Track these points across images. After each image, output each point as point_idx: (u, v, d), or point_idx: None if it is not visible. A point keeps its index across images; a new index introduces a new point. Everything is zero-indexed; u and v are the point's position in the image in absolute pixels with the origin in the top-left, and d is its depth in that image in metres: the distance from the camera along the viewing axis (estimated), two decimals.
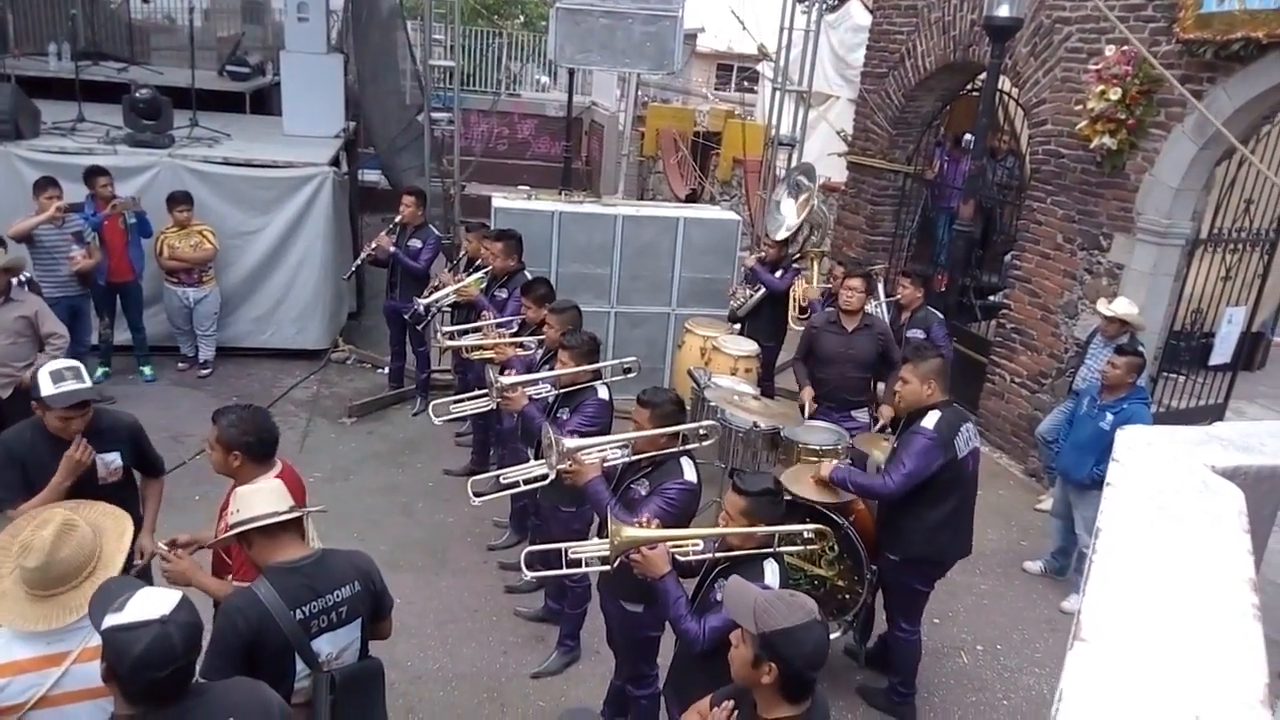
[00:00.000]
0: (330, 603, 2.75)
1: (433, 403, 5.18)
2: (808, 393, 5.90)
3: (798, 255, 7.52)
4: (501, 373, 4.80)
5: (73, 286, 6.71)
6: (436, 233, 7.42)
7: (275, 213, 7.95)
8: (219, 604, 2.94)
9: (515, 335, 5.54)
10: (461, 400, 5.06)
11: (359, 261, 7.62)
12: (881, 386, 6.10)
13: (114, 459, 3.71)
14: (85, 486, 3.52)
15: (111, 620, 2.09)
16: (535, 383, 4.57)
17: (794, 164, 8.99)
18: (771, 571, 3.06)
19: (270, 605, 2.63)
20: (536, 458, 4.26)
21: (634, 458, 3.73)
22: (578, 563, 3.44)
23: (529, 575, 3.67)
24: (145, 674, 2.06)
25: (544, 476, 3.89)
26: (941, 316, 6.48)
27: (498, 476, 4.28)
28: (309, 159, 8.13)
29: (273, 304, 8.15)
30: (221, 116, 9.46)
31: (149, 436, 3.99)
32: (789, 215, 7.59)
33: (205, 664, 2.55)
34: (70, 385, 3.49)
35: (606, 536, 3.17)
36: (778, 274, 7.08)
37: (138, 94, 8.06)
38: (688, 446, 3.70)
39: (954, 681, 4.97)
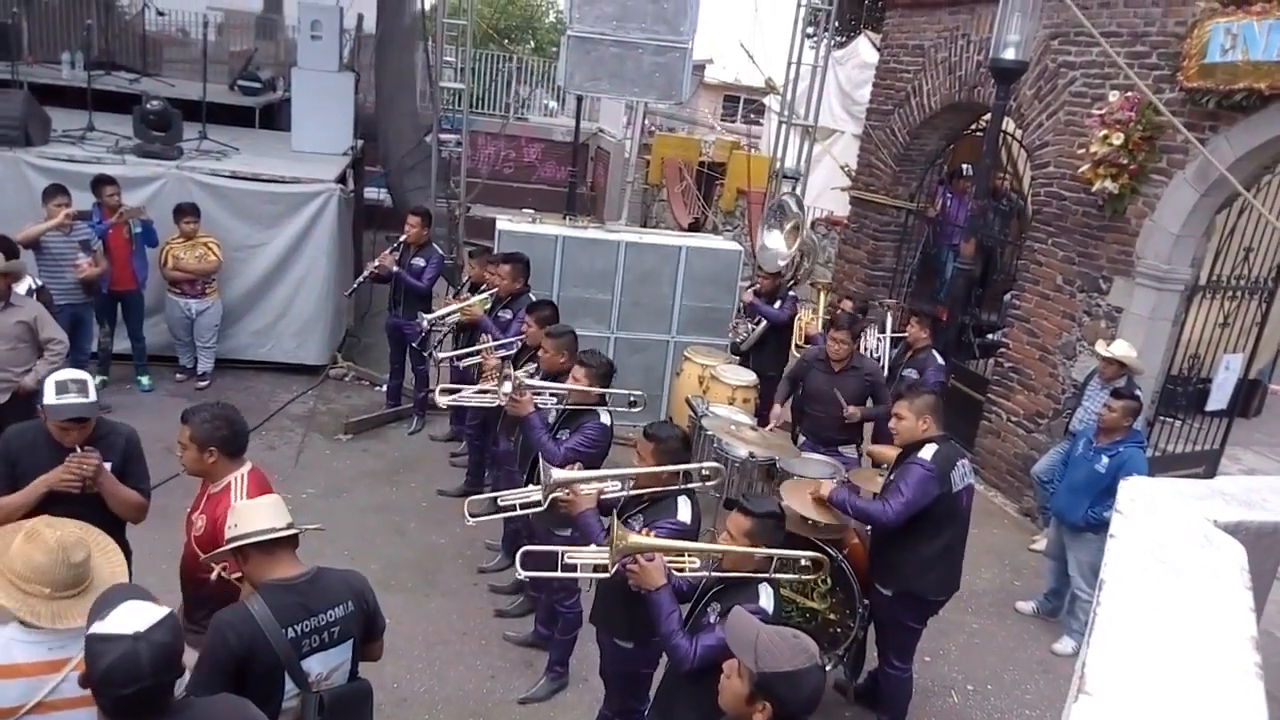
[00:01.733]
0: (323, 622, 2.73)
1: (440, 386, 5.17)
2: (777, 411, 6.06)
3: (791, 283, 7.56)
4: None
5: (77, 294, 6.72)
6: (440, 252, 7.45)
7: (280, 227, 7.98)
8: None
9: (515, 356, 5.57)
10: (463, 390, 5.11)
11: (362, 278, 7.64)
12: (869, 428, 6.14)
13: (106, 468, 3.64)
14: (77, 498, 3.44)
15: (94, 628, 2.08)
16: (543, 391, 4.58)
17: (799, 197, 9.05)
18: (767, 595, 3.06)
19: (262, 622, 2.61)
20: (529, 481, 4.26)
21: (635, 492, 3.72)
22: (574, 567, 3.43)
23: (522, 574, 3.64)
24: (109, 689, 2.04)
25: (539, 503, 3.89)
26: (941, 362, 6.48)
27: (495, 499, 4.26)
28: (316, 175, 8.18)
29: (274, 318, 8.15)
30: (231, 130, 9.52)
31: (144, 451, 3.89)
32: (777, 245, 7.66)
33: (194, 678, 2.53)
34: (71, 399, 3.46)
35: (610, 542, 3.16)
36: (776, 305, 7.13)
37: (148, 105, 8.12)
38: (690, 485, 3.69)
39: None
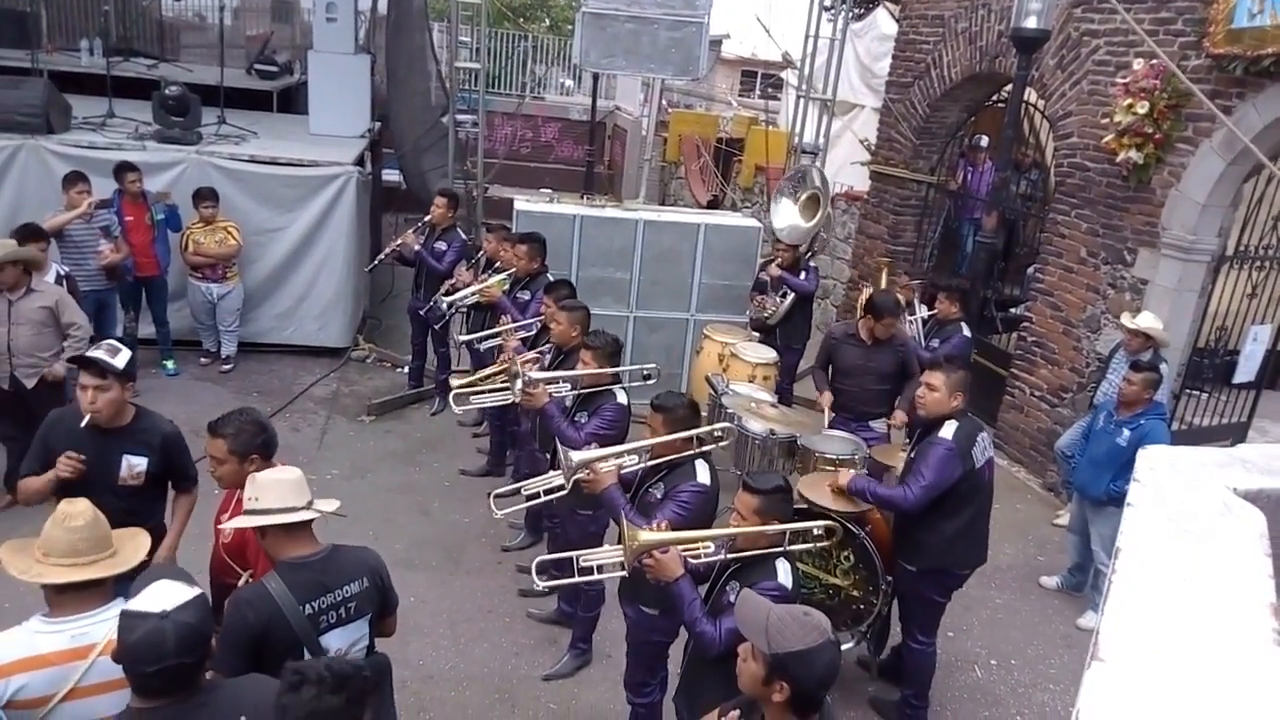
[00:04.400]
0: (339, 598, 2.77)
1: (453, 391, 5.20)
2: (826, 398, 5.91)
3: (809, 254, 7.53)
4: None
5: (100, 280, 6.79)
6: (462, 236, 7.46)
7: (300, 211, 8.02)
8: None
9: (535, 337, 5.57)
10: (481, 391, 5.10)
11: (383, 255, 7.66)
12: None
13: (140, 462, 3.66)
14: (102, 485, 3.49)
15: (129, 604, 2.14)
16: (556, 380, 4.59)
17: (820, 172, 8.98)
18: (784, 570, 3.07)
19: (280, 599, 2.65)
20: (552, 463, 4.28)
21: (652, 462, 3.74)
22: (591, 570, 3.46)
23: (541, 584, 3.67)
24: (135, 665, 2.09)
25: (562, 487, 3.91)
26: (968, 335, 6.46)
27: (520, 488, 4.29)
28: (334, 158, 8.20)
29: (295, 301, 8.21)
30: (249, 114, 9.56)
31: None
32: (790, 217, 7.61)
33: (214, 657, 2.58)
34: (95, 352, 3.55)
35: (623, 541, 3.18)
36: (800, 276, 7.13)
37: (167, 91, 8.16)
38: (704, 448, 3.71)
39: (967, 696, 4.94)
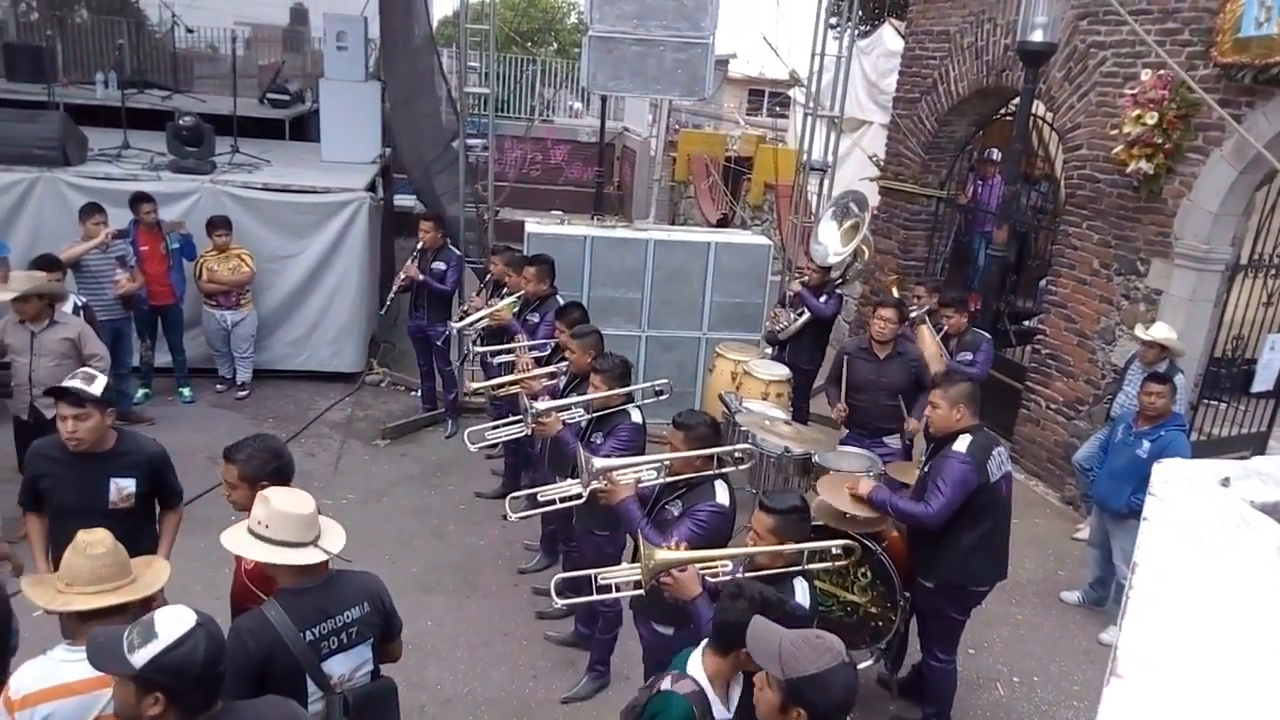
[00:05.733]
0: (340, 623, 2.76)
1: (468, 430, 5.21)
2: (839, 409, 5.93)
3: (839, 280, 7.51)
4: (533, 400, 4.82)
5: (116, 309, 6.87)
6: (457, 253, 7.51)
7: (313, 237, 8.09)
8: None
9: (549, 358, 5.58)
10: (497, 426, 5.11)
11: (393, 294, 7.72)
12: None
13: (128, 484, 3.66)
14: (95, 511, 3.48)
15: (151, 649, 2.07)
16: (568, 408, 4.59)
17: (828, 189, 8.99)
18: (802, 590, 3.05)
19: (280, 627, 2.64)
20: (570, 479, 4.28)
21: (670, 479, 3.74)
22: (608, 588, 3.45)
23: (559, 603, 3.67)
24: (213, 671, 2.12)
25: (579, 495, 3.91)
26: (990, 337, 6.48)
27: (535, 494, 4.29)
28: (346, 184, 8.27)
29: (309, 327, 8.27)
30: (262, 143, 9.66)
31: (178, 463, 3.95)
32: (830, 240, 7.58)
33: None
34: (70, 381, 3.57)
35: (639, 560, 3.17)
36: (821, 299, 7.09)
37: (181, 121, 8.27)
38: (723, 470, 3.71)
39: (989, 714, 4.88)
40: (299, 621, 2.67)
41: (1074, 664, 5.33)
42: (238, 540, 2.78)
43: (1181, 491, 1.45)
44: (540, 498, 4.21)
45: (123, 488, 3.65)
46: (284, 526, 2.73)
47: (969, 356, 6.29)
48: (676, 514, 3.64)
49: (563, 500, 4.05)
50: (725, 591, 2.75)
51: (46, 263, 5.80)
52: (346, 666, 2.80)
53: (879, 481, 4.97)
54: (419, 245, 7.33)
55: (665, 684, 2.65)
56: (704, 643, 2.76)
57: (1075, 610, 5.86)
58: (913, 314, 6.60)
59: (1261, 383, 7.13)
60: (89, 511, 3.45)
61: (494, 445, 7.06)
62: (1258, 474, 1.49)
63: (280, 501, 2.80)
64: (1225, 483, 1.44)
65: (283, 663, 2.63)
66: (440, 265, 7.25)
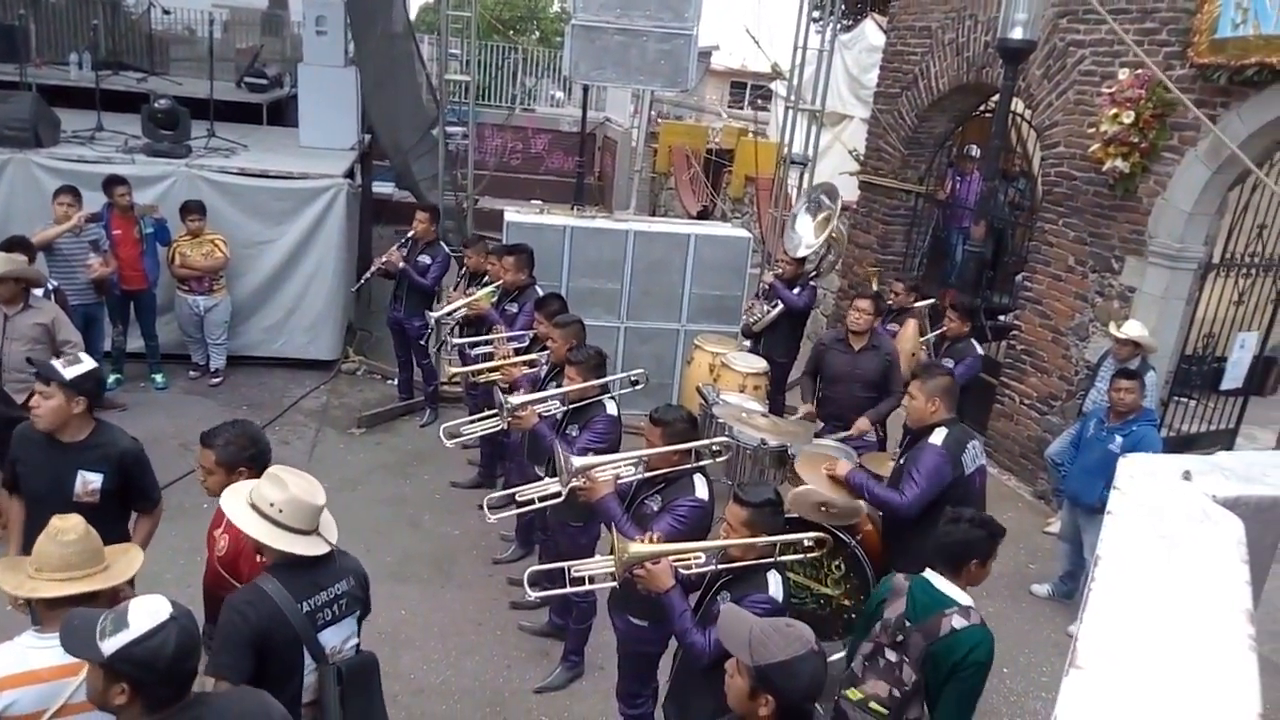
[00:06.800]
0: (332, 596, 2.81)
1: (444, 425, 5.20)
2: (806, 409, 5.98)
3: (814, 273, 7.54)
4: (509, 392, 4.81)
5: (89, 294, 6.77)
6: (447, 249, 7.46)
7: (289, 223, 8.01)
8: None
9: (527, 349, 5.57)
10: (473, 421, 5.09)
11: (368, 275, 7.66)
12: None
13: (94, 479, 3.52)
14: (58, 501, 3.35)
15: (121, 639, 2.06)
16: (544, 400, 4.59)
17: (808, 183, 9.01)
18: (775, 582, 3.07)
19: (278, 598, 2.67)
20: (548, 474, 4.27)
21: (648, 474, 3.74)
22: (582, 580, 3.46)
23: (533, 595, 3.67)
24: (182, 665, 2.10)
25: (557, 495, 3.91)
26: (981, 352, 6.52)
27: (514, 495, 4.28)
28: (324, 171, 8.20)
29: (285, 314, 8.19)
30: (239, 127, 9.55)
31: (149, 450, 3.80)
32: (805, 233, 7.60)
33: (218, 660, 2.58)
34: (54, 362, 3.54)
35: (613, 552, 3.18)
36: (795, 291, 7.12)
37: (156, 104, 8.15)
38: (701, 463, 3.71)
39: None
40: (296, 594, 2.71)
41: (1043, 655, 5.39)
42: (245, 519, 2.75)
43: (1145, 485, 1.46)
44: (519, 497, 4.20)
45: (89, 481, 3.52)
46: (298, 513, 2.76)
47: (951, 364, 6.29)
48: (656, 509, 3.64)
49: (541, 500, 4.06)
50: (945, 517, 3.23)
51: (16, 244, 5.71)
52: (338, 638, 2.84)
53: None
54: (410, 234, 7.28)
55: (955, 622, 3.04)
56: (926, 572, 3.16)
57: (1045, 603, 5.93)
58: (915, 305, 6.66)
59: (1231, 380, 7.24)
60: (52, 502, 3.35)
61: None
62: (1220, 469, 1.51)
63: (296, 487, 2.79)
64: (1187, 477, 1.46)
65: (281, 634, 2.66)
66: (426, 259, 7.20)
